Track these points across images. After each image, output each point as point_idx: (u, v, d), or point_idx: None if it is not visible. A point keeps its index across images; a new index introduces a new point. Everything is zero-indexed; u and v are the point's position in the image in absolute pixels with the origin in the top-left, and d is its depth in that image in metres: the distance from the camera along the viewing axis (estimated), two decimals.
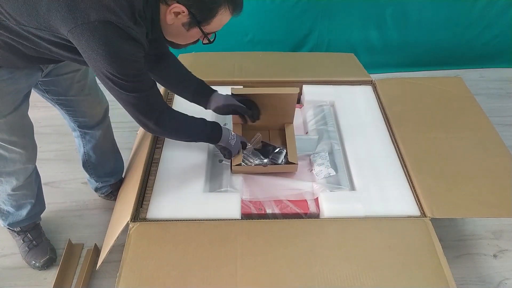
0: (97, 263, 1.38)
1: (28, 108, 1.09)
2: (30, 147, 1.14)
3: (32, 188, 1.26)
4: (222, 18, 0.92)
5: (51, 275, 1.34)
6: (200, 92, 1.24)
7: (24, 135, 1.10)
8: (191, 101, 1.26)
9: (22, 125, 1.08)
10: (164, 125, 1.02)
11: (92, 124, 1.30)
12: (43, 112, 1.31)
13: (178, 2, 0.85)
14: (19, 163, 1.13)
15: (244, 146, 1.26)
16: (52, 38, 0.83)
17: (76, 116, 1.25)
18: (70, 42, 0.81)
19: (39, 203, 1.34)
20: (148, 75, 0.95)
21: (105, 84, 0.88)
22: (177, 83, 1.24)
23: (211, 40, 0.97)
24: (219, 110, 1.24)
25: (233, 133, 1.20)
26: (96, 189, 1.55)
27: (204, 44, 0.98)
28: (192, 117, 1.11)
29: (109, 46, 0.79)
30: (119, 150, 1.50)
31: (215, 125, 1.15)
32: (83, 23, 0.76)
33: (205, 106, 1.25)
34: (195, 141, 1.18)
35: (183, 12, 0.86)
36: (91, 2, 0.76)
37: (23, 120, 1.08)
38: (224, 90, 1.54)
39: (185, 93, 1.25)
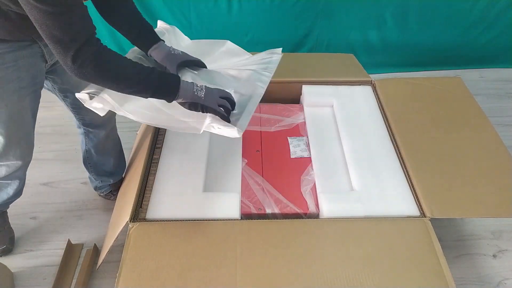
0: (97, 263, 1.38)
1: (33, 107, 1.09)
2: (24, 144, 1.13)
3: (17, 181, 1.25)
4: None
5: (51, 275, 1.34)
6: (146, 36, 1.07)
7: (20, 130, 1.09)
8: (133, 43, 1.09)
9: (22, 119, 1.07)
10: (86, 62, 0.79)
11: (96, 124, 1.30)
12: (42, 112, 1.31)
13: None
14: (12, 156, 1.12)
15: (230, 101, 1.01)
16: None
17: (81, 114, 1.26)
18: None
19: (15, 195, 1.32)
20: None
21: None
22: (122, 16, 1.06)
23: None
24: (165, 61, 1.08)
25: (201, 84, 0.97)
26: (96, 188, 1.55)
27: None
28: (135, 63, 0.89)
29: None
30: (122, 151, 1.50)
31: (169, 75, 0.94)
32: None
33: (146, 52, 1.09)
34: (138, 94, 0.92)
35: None
36: None
37: (24, 112, 1.06)
38: None
39: (126, 30, 1.07)
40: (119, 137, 1.46)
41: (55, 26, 0.74)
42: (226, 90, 1.03)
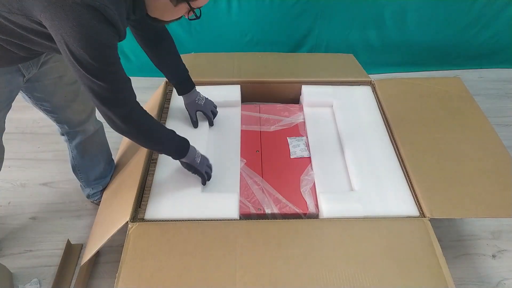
0: (96, 263, 1.38)
1: (4, 118, 1.09)
2: None
3: None
4: None
5: (50, 275, 1.34)
6: (182, 85, 1.33)
7: None
8: (170, 82, 1.33)
9: None
10: (132, 124, 0.95)
11: (76, 130, 1.30)
12: (42, 112, 1.33)
13: None
14: None
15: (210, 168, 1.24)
16: (26, 24, 0.80)
17: (61, 122, 1.25)
18: (44, 26, 0.78)
19: None
20: (123, 69, 0.89)
21: (75, 70, 0.81)
22: (167, 67, 1.28)
23: (198, 15, 0.92)
24: (187, 106, 1.38)
25: (198, 151, 1.18)
26: (88, 196, 1.53)
27: (190, 19, 0.94)
28: (162, 126, 1.08)
29: (84, 28, 0.74)
30: (111, 155, 1.49)
31: (184, 139, 1.14)
32: (57, 1, 0.72)
33: (179, 94, 1.35)
34: (161, 151, 1.14)
35: None
36: None
37: None
38: (224, 90, 1.54)
39: (169, 77, 1.32)
40: (106, 140, 1.45)
41: (108, 97, 0.87)
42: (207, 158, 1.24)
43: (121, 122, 0.92)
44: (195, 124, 1.40)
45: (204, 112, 1.39)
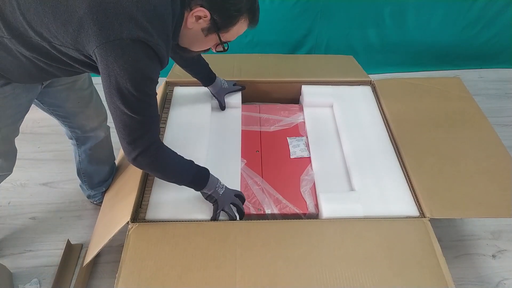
0: (96, 264, 1.38)
1: (20, 125, 1.10)
2: (11, 155, 1.15)
3: None
4: (240, 28, 0.93)
5: (50, 275, 1.34)
6: (207, 78, 1.42)
7: (9, 144, 1.11)
8: (194, 77, 1.40)
9: (12, 137, 1.10)
10: (144, 162, 0.95)
11: (88, 136, 1.30)
12: (42, 112, 1.32)
13: (201, 6, 0.85)
14: (4, 169, 1.14)
15: (242, 200, 1.16)
16: (75, 55, 0.83)
17: (72, 127, 1.26)
18: (91, 59, 0.81)
19: None
20: (157, 105, 0.92)
21: (112, 101, 0.83)
22: (191, 65, 1.35)
23: (225, 48, 0.96)
24: (217, 94, 1.47)
25: (222, 183, 1.13)
26: (89, 196, 1.54)
27: (217, 51, 0.98)
28: (180, 158, 1.04)
29: (137, 64, 0.79)
30: (114, 158, 1.50)
31: (202, 169, 1.09)
32: (115, 40, 0.75)
33: (205, 86, 1.45)
34: (175, 183, 1.08)
35: (205, 17, 0.87)
36: (125, 19, 0.76)
37: (14, 133, 1.09)
38: None
39: (193, 73, 1.38)
40: (112, 145, 1.45)
41: (136, 129, 0.88)
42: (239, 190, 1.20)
43: (134, 158, 0.92)
44: (223, 108, 1.50)
45: (231, 91, 1.52)
